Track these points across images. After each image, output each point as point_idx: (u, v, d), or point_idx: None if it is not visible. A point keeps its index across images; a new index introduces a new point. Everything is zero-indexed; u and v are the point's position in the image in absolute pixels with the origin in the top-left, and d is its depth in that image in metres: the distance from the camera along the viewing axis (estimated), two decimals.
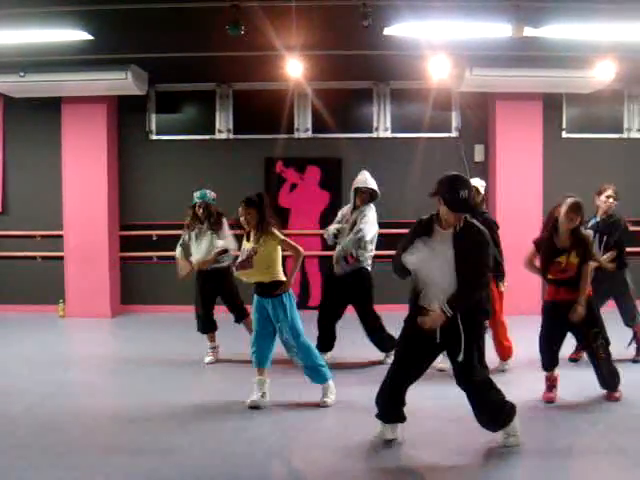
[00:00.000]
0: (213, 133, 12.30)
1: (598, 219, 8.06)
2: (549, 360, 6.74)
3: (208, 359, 8.39)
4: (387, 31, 8.91)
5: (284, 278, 6.66)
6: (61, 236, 11.86)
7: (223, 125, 12.28)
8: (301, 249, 6.74)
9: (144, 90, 11.52)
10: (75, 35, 9.01)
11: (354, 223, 8.05)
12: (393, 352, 7.66)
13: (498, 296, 7.76)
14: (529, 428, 5.74)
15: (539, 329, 6.75)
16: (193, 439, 5.65)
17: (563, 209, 6.44)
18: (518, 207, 11.15)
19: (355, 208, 8.17)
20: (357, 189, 8.14)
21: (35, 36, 8.95)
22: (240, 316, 8.53)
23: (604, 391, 6.72)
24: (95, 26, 8.86)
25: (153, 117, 12.34)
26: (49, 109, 11.72)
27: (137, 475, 4.92)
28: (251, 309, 6.84)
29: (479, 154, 12.16)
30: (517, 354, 7.88)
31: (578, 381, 7.10)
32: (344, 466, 5.13)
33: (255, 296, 6.69)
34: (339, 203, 11.93)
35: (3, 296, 12.13)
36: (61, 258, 11.87)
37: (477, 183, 7.96)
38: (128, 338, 8.98)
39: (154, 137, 12.35)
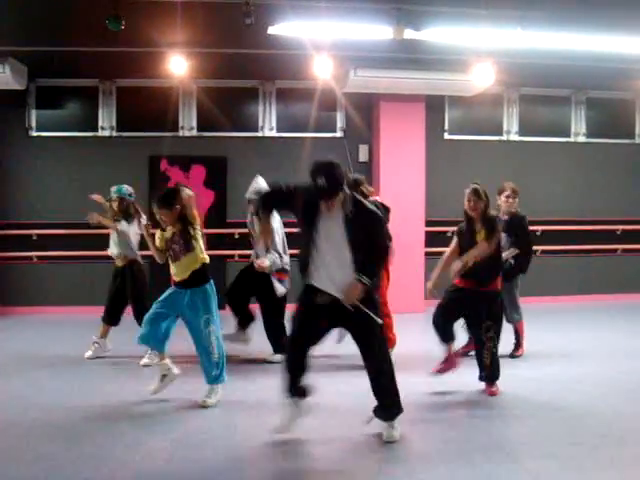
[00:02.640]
0: (96, 130, 12.06)
1: (504, 219, 8.20)
2: (444, 334, 6.91)
3: (89, 353, 8.25)
4: (271, 30, 8.93)
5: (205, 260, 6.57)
6: None
7: (106, 122, 12.04)
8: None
9: (23, 85, 11.19)
10: None
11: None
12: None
13: (384, 286, 7.99)
14: (411, 423, 5.84)
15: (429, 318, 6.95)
16: (69, 444, 5.50)
17: (465, 200, 6.76)
18: (401, 206, 11.28)
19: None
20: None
21: None
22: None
23: (483, 387, 6.88)
24: None
25: (33, 113, 11.99)
26: None
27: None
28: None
29: (364, 154, 12.30)
30: (400, 350, 8.01)
31: (461, 375, 7.22)
32: (229, 468, 5.10)
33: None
34: (224, 202, 11.94)
35: None
36: None
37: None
38: (5, 340, 8.69)
39: (34, 133, 12.00)
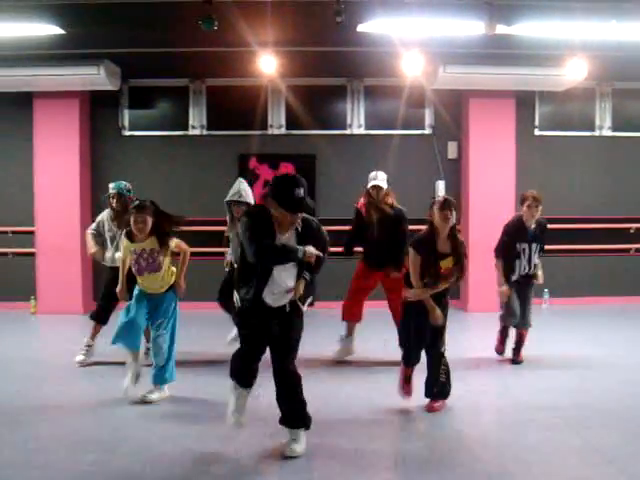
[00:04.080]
0: (186, 129, 12.26)
1: (532, 227, 7.87)
2: (416, 356, 6.44)
3: (80, 358, 8.13)
4: (361, 28, 8.92)
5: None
6: (33, 232, 11.78)
7: (196, 121, 12.23)
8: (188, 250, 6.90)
9: (117, 85, 11.47)
10: (47, 29, 8.95)
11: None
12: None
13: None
14: (504, 425, 5.79)
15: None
16: (166, 435, 5.64)
17: (435, 209, 6.18)
18: (491, 204, 11.19)
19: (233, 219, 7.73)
20: (232, 202, 7.67)
21: (6, 30, 8.88)
22: None
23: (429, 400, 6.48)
24: (67, 20, 8.82)
25: (126, 113, 12.27)
26: (21, 104, 11.62)
27: (109, 472, 4.88)
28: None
29: (452, 151, 12.20)
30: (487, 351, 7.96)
31: (554, 379, 7.11)
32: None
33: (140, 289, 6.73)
34: (312, 199, 11.92)
35: None
36: (33, 254, 11.78)
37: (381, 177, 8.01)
38: (99, 334, 8.87)
39: (127, 133, 12.28)
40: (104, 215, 8.32)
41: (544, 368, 7.77)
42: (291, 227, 5.17)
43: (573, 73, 10.38)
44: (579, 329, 10.11)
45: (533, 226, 7.84)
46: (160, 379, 6.71)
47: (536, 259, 7.83)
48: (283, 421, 5.42)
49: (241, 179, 7.84)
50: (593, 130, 12.46)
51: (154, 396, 6.63)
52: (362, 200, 8.17)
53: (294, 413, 5.38)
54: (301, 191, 5.00)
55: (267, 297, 5.23)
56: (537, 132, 12.35)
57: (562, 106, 12.33)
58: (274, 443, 5.47)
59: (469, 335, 10.06)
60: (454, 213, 6.14)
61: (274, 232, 5.14)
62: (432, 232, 6.18)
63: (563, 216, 11.74)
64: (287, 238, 5.17)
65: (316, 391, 6.08)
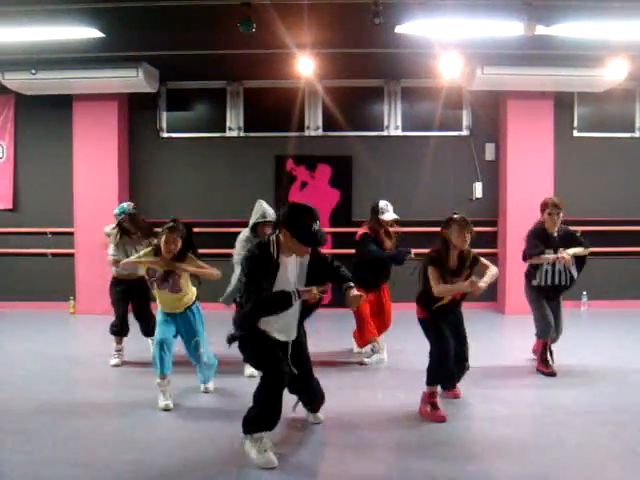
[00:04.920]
0: (224, 131, 12.32)
1: (554, 235, 7.55)
2: (453, 374, 6.38)
3: (114, 361, 8.25)
4: (398, 29, 8.91)
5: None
6: (72, 233, 11.91)
7: (234, 123, 12.29)
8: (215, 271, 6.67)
9: (155, 88, 11.57)
10: (86, 33, 9.04)
11: None
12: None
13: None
14: (540, 424, 5.76)
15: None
16: (202, 435, 5.67)
17: (454, 228, 5.99)
18: (529, 206, 11.00)
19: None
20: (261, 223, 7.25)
21: (47, 34, 8.98)
22: (148, 331, 8.43)
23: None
24: (106, 24, 8.90)
25: (164, 115, 12.37)
26: (60, 107, 11.77)
27: (148, 472, 4.92)
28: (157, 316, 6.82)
29: (490, 153, 12.13)
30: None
31: (589, 385, 7.04)
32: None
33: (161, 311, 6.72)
34: (349, 201, 11.98)
35: (14, 293, 12.20)
36: (72, 255, 11.91)
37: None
38: (136, 334, 8.97)
39: (165, 135, 12.38)
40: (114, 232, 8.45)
41: (582, 371, 7.69)
42: (299, 255, 5.18)
43: (613, 74, 10.29)
44: (618, 332, 10.00)
45: (556, 234, 7.54)
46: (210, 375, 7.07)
47: (573, 270, 7.46)
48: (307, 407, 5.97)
49: (260, 200, 7.53)
50: (633, 131, 12.32)
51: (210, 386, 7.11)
52: (365, 227, 8.17)
53: (317, 402, 5.97)
54: (318, 225, 4.99)
55: (273, 332, 5.30)
56: (576, 133, 12.24)
57: (601, 107, 12.20)
58: (306, 438, 5.53)
59: (506, 338, 10.01)
60: (470, 235, 6.01)
61: (276, 269, 5.10)
62: (445, 249, 6.07)
63: (602, 218, 11.64)
64: (292, 266, 5.19)
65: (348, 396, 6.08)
